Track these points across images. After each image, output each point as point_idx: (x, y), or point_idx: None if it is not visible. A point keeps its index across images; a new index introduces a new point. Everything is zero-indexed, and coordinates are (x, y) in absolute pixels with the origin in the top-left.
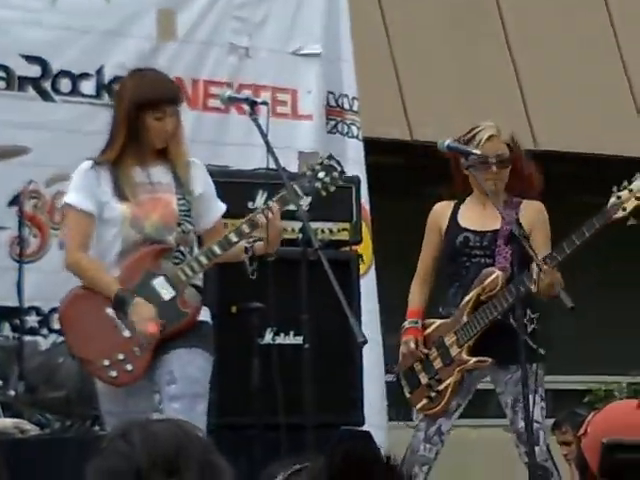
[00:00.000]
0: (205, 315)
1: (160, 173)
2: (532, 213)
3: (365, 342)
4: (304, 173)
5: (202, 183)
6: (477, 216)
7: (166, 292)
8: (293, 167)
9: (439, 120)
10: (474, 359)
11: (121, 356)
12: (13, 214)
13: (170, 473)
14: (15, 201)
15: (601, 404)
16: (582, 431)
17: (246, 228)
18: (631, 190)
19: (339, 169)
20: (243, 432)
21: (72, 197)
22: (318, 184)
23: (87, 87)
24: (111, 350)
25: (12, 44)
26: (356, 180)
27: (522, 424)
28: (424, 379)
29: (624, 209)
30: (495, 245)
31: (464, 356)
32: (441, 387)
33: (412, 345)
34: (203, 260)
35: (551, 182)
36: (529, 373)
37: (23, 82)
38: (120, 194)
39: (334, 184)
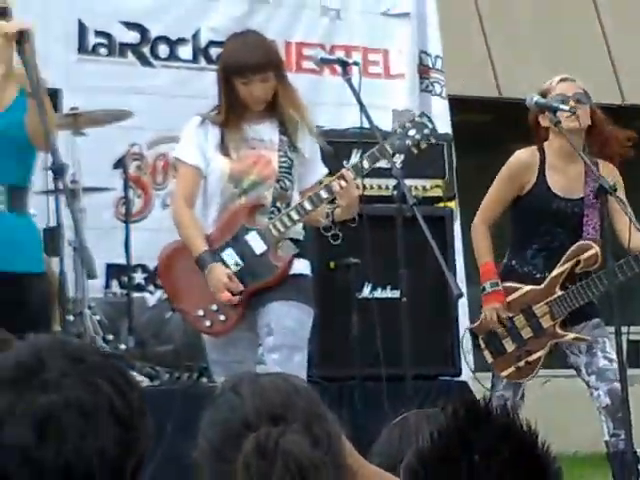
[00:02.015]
0: (305, 268)
1: (267, 131)
2: (610, 172)
3: (461, 295)
4: (395, 131)
5: (309, 144)
6: (566, 179)
7: (258, 246)
8: (387, 125)
9: (527, 77)
10: (572, 335)
11: (214, 307)
12: (118, 176)
13: (277, 423)
14: (119, 164)
15: None
16: None
17: (324, 193)
18: None
19: (430, 126)
20: (344, 383)
21: (180, 151)
22: (409, 141)
23: (184, 52)
24: (205, 301)
25: (112, 12)
26: (448, 138)
27: (603, 362)
28: (510, 347)
29: None
30: (583, 214)
31: (559, 330)
32: (531, 359)
33: (501, 313)
34: (294, 215)
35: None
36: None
37: (123, 48)
38: (223, 150)
39: (425, 141)
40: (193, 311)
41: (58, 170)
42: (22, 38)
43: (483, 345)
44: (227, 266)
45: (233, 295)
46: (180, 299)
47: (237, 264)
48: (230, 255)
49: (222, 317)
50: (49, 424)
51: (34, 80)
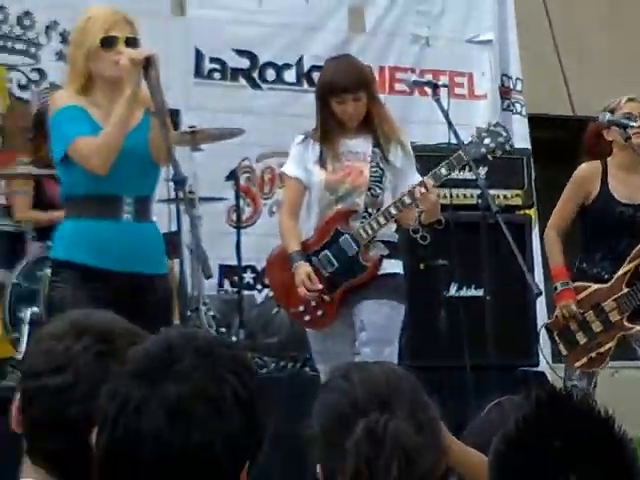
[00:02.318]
0: (396, 267)
1: (361, 144)
2: None
3: (540, 293)
4: (471, 139)
5: (401, 157)
6: (627, 188)
7: (350, 248)
8: None
9: (598, 97)
10: (638, 327)
11: (313, 303)
12: (230, 187)
13: (384, 409)
14: (232, 176)
15: None
16: None
17: (407, 199)
18: None
19: (504, 134)
20: (433, 373)
21: (286, 166)
22: (484, 149)
23: (289, 76)
24: (306, 298)
25: (226, 40)
26: (527, 152)
27: None
28: (582, 340)
29: None
30: None
31: (626, 323)
32: (602, 350)
33: (573, 308)
34: (381, 219)
35: None
36: None
37: (235, 73)
38: (322, 163)
39: (499, 149)
40: (295, 307)
41: (179, 182)
42: (148, 64)
43: (558, 339)
44: (324, 266)
45: (310, 292)
46: (284, 296)
47: (332, 264)
48: (326, 256)
49: (320, 312)
50: (179, 412)
51: (158, 101)
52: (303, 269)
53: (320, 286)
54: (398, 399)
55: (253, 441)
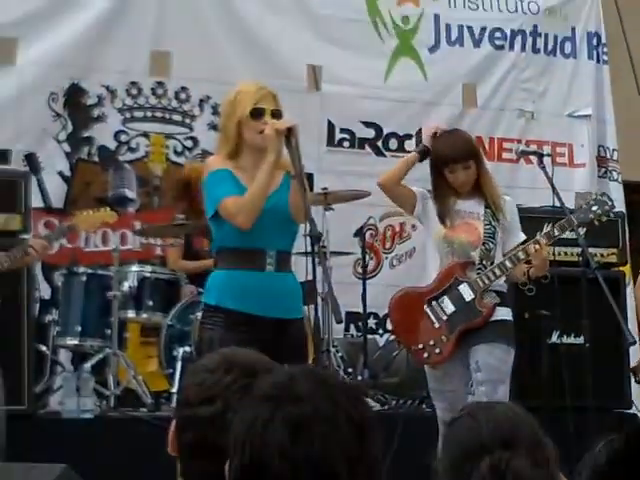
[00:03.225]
0: (507, 314)
1: (474, 205)
2: None
3: (634, 342)
4: (580, 206)
5: (509, 215)
6: None
7: (468, 295)
8: (571, 204)
9: None
10: None
11: (431, 342)
12: (356, 243)
13: (507, 447)
14: (358, 232)
15: None
16: None
17: (521, 254)
18: None
19: (610, 203)
20: (535, 413)
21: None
22: (591, 215)
23: (409, 145)
24: (425, 337)
25: (355, 113)
26: (621, 215)
27: None
28: None
29: None
30: None
31: None
32: None
33: None
34: (497, 271)
35: None
36: None
37: (362, 142)
38: (441, 219)
39: (605, 215)
40: (414, 345)
41: (315, 237)
42: (290, 133)
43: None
44: (443, 309)
45: None
46: (405, 334)
47: (451, 308)
48: (445, 301)
49: (437, 350)
50: (301, 429)
51: (297, 166)
52: None
53: (438, 324)
54: (519, 438)
55: (367, 458)
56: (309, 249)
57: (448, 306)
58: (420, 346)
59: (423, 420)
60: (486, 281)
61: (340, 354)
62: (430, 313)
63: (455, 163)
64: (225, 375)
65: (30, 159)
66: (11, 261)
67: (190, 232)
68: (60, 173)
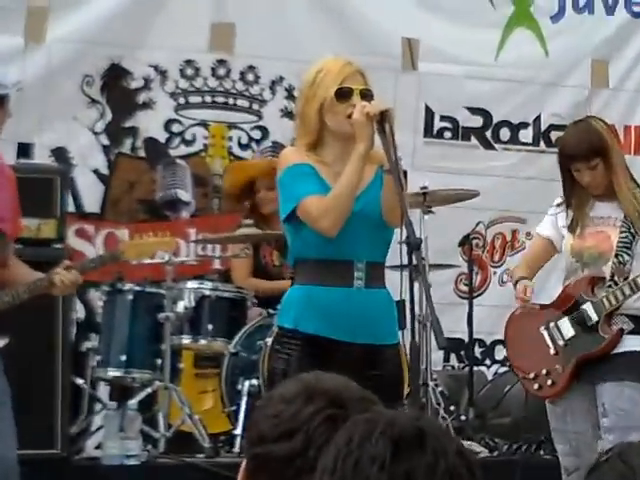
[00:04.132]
0: (637, 345)
1: (608, 209)
2: None
3: None
4: None
5: None
6: None
7: (591, 317)
8: None
9: None
10: None
11: (544, 371)
12: (458, 253)
13: None
14: (463, 242)
15: None
16: None
17: None
18: None
19: None
20: None
21: (540, 225)
22: None
23: (525, 135)
24: (538, 365)
25: (459, 97)
26: None
27: None
28: None
29: None
30: None
31: None
32: None
33: None
34: (626, 290)
35: None
36: None
37: (467, 132)
38: (571, 227)
39: None
40: (526, 373)
41: (413, 245)
42: (383, 118)
43: None
44: (560, 333)
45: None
46: (517, 360)
47: (569, 333)
48: (564, 323)
49: (549, 382)
50: (400, 447)
51: (393, 158)
52: (524, 285)
53: (552, 351)
54: None
55: None
56: (405, 260)
57: (567, 329)
58: (532, 375)
59: (541, 469)
60: (613, 301)
61: (440, 389)
62: (546, 336)
63: (576, 161)
64: (306, 405)
65: (58, 154)
66: (30, 292)
67: (259, 242)
68: (96, 171)
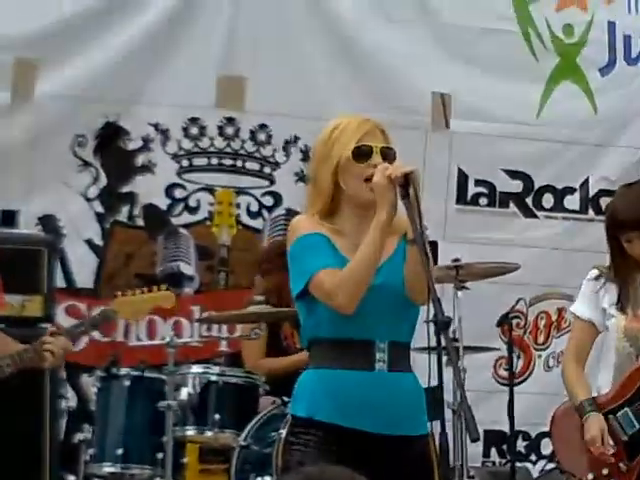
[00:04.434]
0: None
1: None
2: None
3: None
4: None
5: None
6: None
7: None
8: None
9: None
10: None
11: (605, 471)
12: (496, 335)
13: None
14: (502, 321)
15: None
16: None
17: None
18: None
19: None
20: None
21: (576, 305)
22: None
23: (571, 202)
24: (596, 464)
25: (496, 159)
26: None
27: None
28: None
29: None
30: None
31: None
32: None
33: None
34: None
35: None
36: None
37: (505, 198)
38: (620, 306)
39: None
40: (582, 475)
41: (441, 323)
42: (407, 182)
43: None
44: (622, 427)
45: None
46: (570, 461)
47: (633, 426)
48: (626, 415)
49: None
50: None
51: (418, 226)
52: (597, 423)
53: (612, 450)
54: None
55: None
56: (433, 342)
57: (630, 422)
58: (590, 477)
59: None
60: None
61: None
62: (605, 431)
63: (628, 230)
64: None
65: (47, 222)
66: (15, 365)
67: (276, 320)
68: (89, 241)
